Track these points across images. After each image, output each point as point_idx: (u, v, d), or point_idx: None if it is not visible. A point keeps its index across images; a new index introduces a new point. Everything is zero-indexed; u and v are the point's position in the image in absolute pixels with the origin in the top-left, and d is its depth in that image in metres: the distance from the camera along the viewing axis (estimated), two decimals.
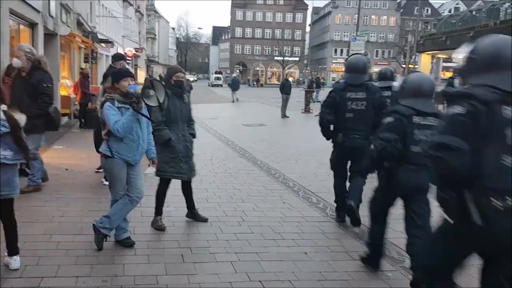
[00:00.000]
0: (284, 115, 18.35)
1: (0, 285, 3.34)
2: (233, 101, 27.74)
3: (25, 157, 3.57)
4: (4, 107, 3.43)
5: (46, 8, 10.71)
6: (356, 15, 30.19)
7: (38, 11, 9.82)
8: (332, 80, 59.83)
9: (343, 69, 5.81)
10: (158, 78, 21.74)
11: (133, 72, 5.35)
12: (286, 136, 13.08)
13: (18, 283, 3.40)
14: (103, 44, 23.96)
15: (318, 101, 23.18)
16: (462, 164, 2.11)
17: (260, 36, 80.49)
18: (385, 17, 74.12)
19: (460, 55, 2.50)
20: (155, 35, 65.21)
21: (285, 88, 19.14)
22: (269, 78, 79.84)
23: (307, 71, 55.32)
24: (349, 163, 5.13)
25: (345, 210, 5.01)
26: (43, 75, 5.62)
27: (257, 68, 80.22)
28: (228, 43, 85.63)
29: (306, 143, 11.15)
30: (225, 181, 6.92)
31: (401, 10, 73.77)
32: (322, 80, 40.29)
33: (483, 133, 2.15)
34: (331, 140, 5.12)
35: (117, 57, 6.72)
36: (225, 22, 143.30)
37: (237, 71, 75.06)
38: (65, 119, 13.30)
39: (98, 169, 6.90)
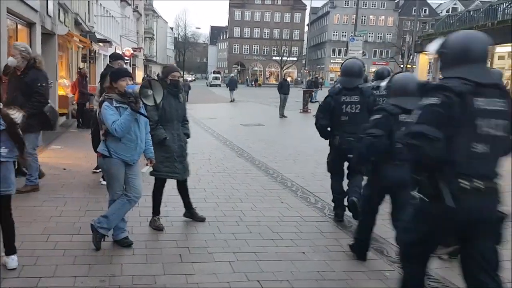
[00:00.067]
0: (282, 115, 18.36)
1: (0, 285, 3.33)
2: (231, 101, 27.76)
3: (21, 153, 3.55)
4: None
5: (44, 7, 10.69)
6: (354, 15, 30.20)
7: (36, 11, 9.80)
8: (330, 80, 59.89)
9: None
10: (156, 77, 21.71)
11: (131, 71, 5.34)
12: (284, 136, 13.08)
13: (16, 283, 3.40)
14: (101, 44, 23.95)
15: (316, 101, 23.19)
16: (437, 152, 2.26)
17: (258, 36, 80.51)
18: (383, 17, 74.19)
19: (432, 49, 2.61)
20: (153, 34, 65.15)
21: (283, 88, 19.14)
22: (267, 78, 79.83)
23: (305, 71, 55.37)
24: (346, 163, 5.17)
25: (343, 209, 5.06)
26: (38, 74, 5.56)
27: (255, 68, 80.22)
28: (226, 43, 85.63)
29: (304, 143, 11.15)
30: (223, 181, 6.91)
31: (399, 10, 73.85)
32: (320, 80, 40.31)
33: (456, 122, 2.29)
34: (328, 142, 5.21)
35: (115, 57, 6.70)
36: (223, 22, 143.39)
37: (235, 71, 75.04)
38: (63, 119, 13.28)
39: (95, 169, 6.89)
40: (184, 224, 4.93)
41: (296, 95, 25.57)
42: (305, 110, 20.63)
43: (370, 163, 3.77)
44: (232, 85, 28.99)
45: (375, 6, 73.62)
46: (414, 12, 39.01)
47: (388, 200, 3.90)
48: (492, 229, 2.50)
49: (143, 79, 19.09)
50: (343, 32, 71.89)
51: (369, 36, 66.96)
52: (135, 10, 48.91)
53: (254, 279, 3.65)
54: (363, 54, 27.44)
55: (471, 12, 21.85)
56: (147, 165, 4.37)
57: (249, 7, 79.84)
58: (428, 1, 74.15)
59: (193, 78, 78.09)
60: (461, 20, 21.51)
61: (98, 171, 6.72)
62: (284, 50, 70.73)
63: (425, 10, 70.56)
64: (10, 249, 3.62)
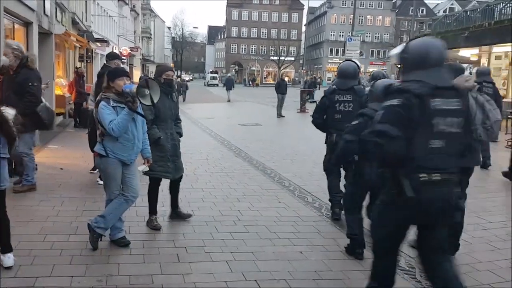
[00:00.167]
0: (279, 115, 18.37)
1: (0, 286, 3.33)
2: (228, 101, 27.77)
3: (9, 150, 3.52)
4: None
5: (41, 7, 10.66)
6: (352, 15, 30.27)
7: (33, 10, 9.77)
8: (328, 80, 59.94)
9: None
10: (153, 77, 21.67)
11: (128, 71, 5.32)
12: (282, 136, 13.09)
13: (13, 283, 3.39)
14: (98, 43, 23.91)
15: (313, 101, 23.21)
16: (397, 148, 2.48)
17: (256, 36, 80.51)
18: (380, 17, 74.32)
19: (394, 54, 2.80)
20: (151, 34, 65.09)
21: (280, 88, 19.16)
22: (265, 77, 79.84)
23: (303, 71, 55.41)
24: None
25: (340, 208, 5.09)
26: (30, 73, 5.47)
27: (253, 68, 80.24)
28: (224, 43, 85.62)
29: (302, 143, 11.16)
30: (220, 181, 6.91)
31: (396, 10, 74.00)
32: (318, 80, 40.47)
33: (415, 122, 2.50)
34: (325, 141, 5.33)
35: (112, 56, 6.67)
36: (221, 21, 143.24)
37: (233, 70, 75.04)
38: (60, 119, 13.25)
39: (92, 170, 6.87)
40: (182, 223, 4.93)
41: (293, 95, 25.58)
42: (302, 110, 20.65)
43: (351, 165, 4.02)
44: (229, 85, 29.04)
45: (372, 6, 73.76)
46: (411, 12, 39.11)
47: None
48: (448, 217, 2.78)
49: (140, 78, 19.08)
50: (340, 32, 71.97)
51: (367, 36, 67.03)
52: (132, 10, 48.84)
53: (251, 279, 3.65)
54: (361, 54, 27.48)
55: (468, 12, 21.91)
56: (144, 164, 4.36)
57: (246, 6, 79.83)
58: (425, 1, 74.33)
59: (191, 78, 78.03)
60: (458, 20, 21.57)
61: (95, 172, 6.71)
62: (281, 50, 70.73)
63: (422, 10, 70.74)
64: (6, 247, 3.60)
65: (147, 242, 4.39)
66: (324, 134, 5.33)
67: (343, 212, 5.14)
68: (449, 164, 2.60)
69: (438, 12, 62.82)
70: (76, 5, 19.14)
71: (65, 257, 3.86)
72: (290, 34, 79.22)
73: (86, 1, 22.81)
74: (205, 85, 61.50)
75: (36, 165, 6.24)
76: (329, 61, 73.11)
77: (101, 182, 5.07)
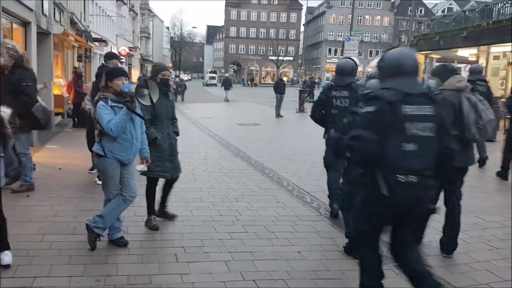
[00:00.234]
0: (278, 115, 18.37)
1: (0, 285, 3.32)
2: (227, 100, 27.77)
3: (4, 148, 3.51)
4: None
5: (39, 6, 10.64)
6: (350, 15, 30.27)
7: (31, 10, 9.75)
8: (326, 80, 59.98)
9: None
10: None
11: (127, 71, 5.29)
12: (280, 136, 13.09)
13: (11, 283, 3.38)
14: (96, 43, 23.87)
15: (312, 101, 23.21)
16: (372, 151, 2.71)
17: (255, 36, 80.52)
18: (379, 17, 74.38)
19: (374, 63, 2.97)
20: (149, 34, 64.99)
21: (279, 88, 19.17)
22: (263, 77, 79.81)
23: (301, 70, 55.42)
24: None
25: (338, 203, 5.10)
26: (24, 73, 5.41)
27: (252, 68, 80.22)
28: (223, 43, 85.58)
29: (300, 143, 11.17)
30: (219, 181, 6.91)
31: (395, 10, 74.04)
32: (317, 80, 40.54)
33: (388, 126, 2.70)
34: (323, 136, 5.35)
35: (110, 56, 6.66)
36: (220, 21, 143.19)
37: (232, 70, 74.99)
38: (58, 118, 13.24)
39: (90, 170, 6.87)
40: (180, 223, 4.93)
41: (292, 94, 25.59)
42: (301, 109, 20.66)
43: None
44: (227, 84, 29.04)
45: (371, 6, 73.82)
46: (410, 12, 39.12)
47: None
48: (420, 218, 3.01)
49: (139, 78, 19.08)
50: (339, 32, 72.03)
51: (365, 36, 67.02)
52: (131, 10, 48.77)
53: (249, 279, 3.65)
54: (359, 54, 27.47)
55: (467, 12, 21.93)
56: (142, 163, 4.36)
57: (245, 6, 79.84)
58: (424, 1, 74.39)
59: (189, 78, 78.01)
60: (456, 20, 21.58)
61: (93, 172, 6.70)
62: (280, 49, 70.75)
63: (421, 10, 70.80)
64: (3, 245, 3.60)
65: (145, 242, 4.39)
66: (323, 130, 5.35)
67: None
68: (423, 167, 2.75)
69: (437, 12, 62.91)
70: (75, 5, 19.12)
71: (63, 257, 3.86)
72: (289, 34, 79.24)
73: (84, 1, 22.78)
74: (203, 85, 61.48)
75: (34, 165, 6.23)
76: (327, 61, 73.11)
77: (100, 182, 5.07)
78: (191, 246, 4.29)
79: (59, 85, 13.84)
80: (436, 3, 75.92)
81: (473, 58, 19.76)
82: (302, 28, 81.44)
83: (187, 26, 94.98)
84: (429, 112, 2.77)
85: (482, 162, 8.13)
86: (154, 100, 3.90)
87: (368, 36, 70.54)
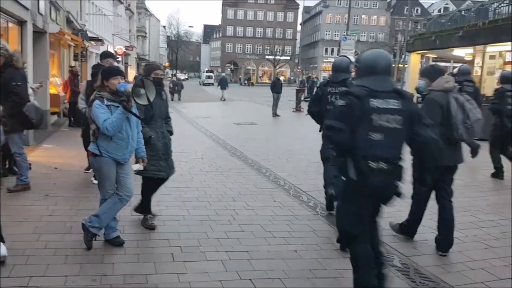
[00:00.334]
0: (275, 114, 18.37)
1: (0, 285, 3.31)
2: (222, 100, 27.75)
3: None
4: None
5: (35, 5, 10.60)
6: (347, 15, 30.30)
7: (27, 9, 9.71)
8: (323, 79, 59.99)
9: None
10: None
11: (123, 70, 5.25)
12: (277, 135, 13.10)
13: (7, 283, 3.37)
14: (93, 42, 23.82)
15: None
16: (342, 139, 2.99)
17: (251, 35, 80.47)
18: (375, 16, 74.47)
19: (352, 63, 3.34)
20: (146, 33, 64.87)
21: (276, 87, 19.15)
22: (260, 77, 79.78)
23: (298, 70, 55.42)
24: None
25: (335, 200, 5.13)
26: (14, 72, 5.34)
27: (249, 67, 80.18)
28: (219, 42, 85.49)
29: (297, 142, 11.18)
30: (216, 180, 6.91)
31: (391, 10, 74.19)
32: (314, 79, 40.49)
33: (357, 117, 2.97)
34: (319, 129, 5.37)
35: (105, 55, 6.62)
36: (216, 20, 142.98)
37: (228, 70, 74.94)
38: (54, 118, 13.20)
39: (86, 169, 6.85)
40: (176, 223, 4.92)
41: (289, 94, 25.59)
42: (298, 109, 20.66)
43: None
44: (223, 84, 29.01)
45: (367, 6, 73.88)
46: (406, 11, 39.25)
47: None
48: (388, 200, 3.20)
49: (135, 77, 19.03)
50: (335, 32, 72.05)
51: (362, 35, 67.09)
52: (127, 9, 48.63)
53: (246, 278, 3.65)
54: (356, 54, 27.54)
55: (463, 12, 21.97)
56: (139, 163, 4.35)
57: (242, 6, 79.78)
58: (420, 1, 74.53)
59: (186, 77, 77.88)
60: (452, 20, 21.61)
61: (89, 171, 6.68)
62: (277, 49, 70.77)
63: (417, 9, 70.95)
64: None
65: (141, 241, 4.38)
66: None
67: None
68: (390, 155, 3.02)
69: (433, 12, 63.01)
70: (71, 3, 19.04)
71: (59, 257, 3.85)
72: (286, 34, 79.22)
73: (80, 0, 22.71)
74: (200, 84, 61.40)
75: (30, 164, 6.21)
76: (324, 60, 73.04)
77: (96, 182, 5.05)
78: (188, 245, 4.28)
79: (55, 84, 13.79)
80: (432, 3, 76.05)
81: (469, 58, 19.81)
82: (298, 28, 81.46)
83: (184, 25, 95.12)
84: (396, 106, 3.01)
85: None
86: (151, 100, 3.89)
87: (364, 35, 70.63)
